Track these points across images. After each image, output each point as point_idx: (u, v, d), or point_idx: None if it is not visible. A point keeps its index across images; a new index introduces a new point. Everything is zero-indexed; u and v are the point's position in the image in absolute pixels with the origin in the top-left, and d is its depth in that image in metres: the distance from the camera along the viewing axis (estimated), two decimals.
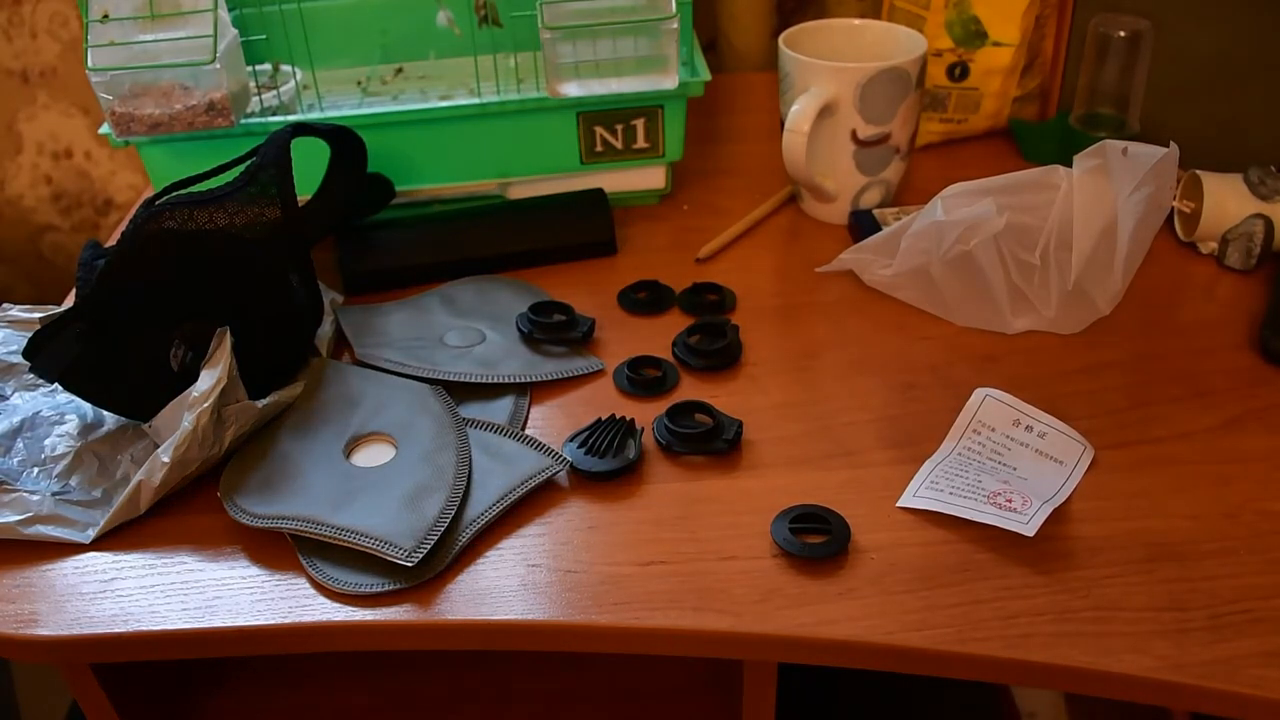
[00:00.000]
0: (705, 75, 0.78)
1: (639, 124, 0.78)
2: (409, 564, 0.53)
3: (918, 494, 0.56)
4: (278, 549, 0.56)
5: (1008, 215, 0.64)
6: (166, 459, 0.56)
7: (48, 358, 0.58)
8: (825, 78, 0.74)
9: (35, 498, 0.58)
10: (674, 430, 0.60)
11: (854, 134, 0.76)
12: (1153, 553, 0.53)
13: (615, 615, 0.51)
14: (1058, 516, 0.55)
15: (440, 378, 0.65)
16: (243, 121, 0.75)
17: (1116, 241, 0.64)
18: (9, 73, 1.08)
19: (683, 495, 0.58)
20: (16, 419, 0.62)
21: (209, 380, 0.58)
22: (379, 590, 0.53)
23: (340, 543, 0.54)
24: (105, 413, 0.63)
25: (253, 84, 0.78)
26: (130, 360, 0.59)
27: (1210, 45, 0.79)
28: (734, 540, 0.55)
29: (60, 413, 0.63)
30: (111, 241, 0.67)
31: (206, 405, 0.57)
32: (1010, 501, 0.54)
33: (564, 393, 0.66)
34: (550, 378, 0.66)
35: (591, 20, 0.73)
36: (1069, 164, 0.64)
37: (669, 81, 0.75)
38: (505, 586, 0.53)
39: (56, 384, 0.60)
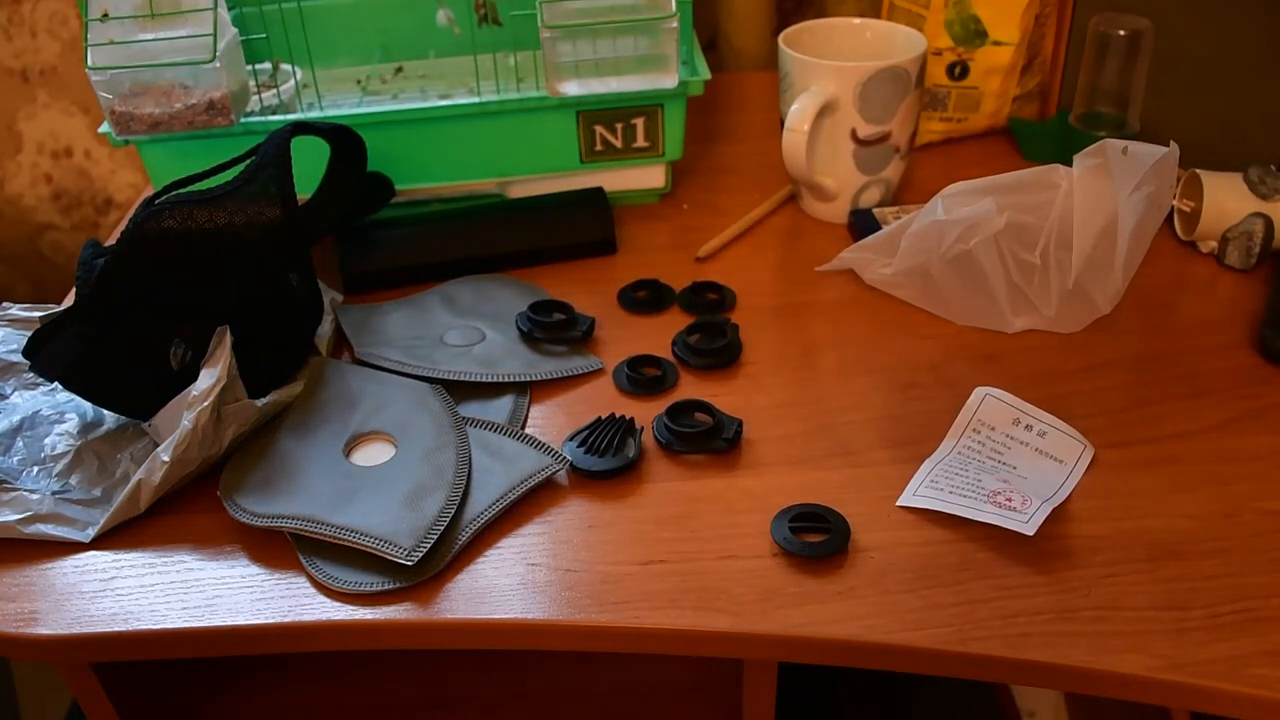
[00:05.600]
0: (705, 74, 0.78)
1: (639, 123, 0.78)
2: (409, 563, 0.53)
3: (918, 493, 0.56)
4: (278, 548, 0.56)
5: (1008, 214, 0.64)
6: (166, 458, 0.56)
7: (48, 357, 0.58)
8: (825, 77, 0.74)
9: (35, 496, 0.58)
10: (674, 429, 0.60)
11: (854, 133, 0.76)
12: (1152, 552, 0.53)
13: (615, 614, 0.51)
14: (1057, 515, 0.55)
15: (440, 377, 0.65)
16: (242, 121, 0.75)
17: (1116, 240, 0.64)
18: (9, 72, 1.08)
19: (682, 494, 0.58)
20: (16, 418, 0.62)
21: (209, 379, 0.58)
22: (379, 589, 0.53)
23: (340, 542, 0.54)
24: (105, 411, 0.63)
25: (252, 83, 0.78)
26: (130, 359, 0.59)
27: (1210, 45, 0.79)
28: (734, 539, 0.55)
29: (60, 411, 0.63)
30: (111, 240, 0.67)
31: (206, 404, 0.57)
32: (1010, 500, 0.54)
33: (564, 392, 0.66)
34: (550, 377, 0.66)
35: (591, 19, 0.73)
36: (1069, 163, 0.64)
37: (669, 80, 0.75)
38: (505, 585, 0.53)
39: (56, 383, 0.60)
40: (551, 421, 0.63)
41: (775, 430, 0.62)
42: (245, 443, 0.61)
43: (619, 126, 0.79)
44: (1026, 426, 0.60)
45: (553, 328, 0.69)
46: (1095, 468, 0.58)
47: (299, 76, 0.82)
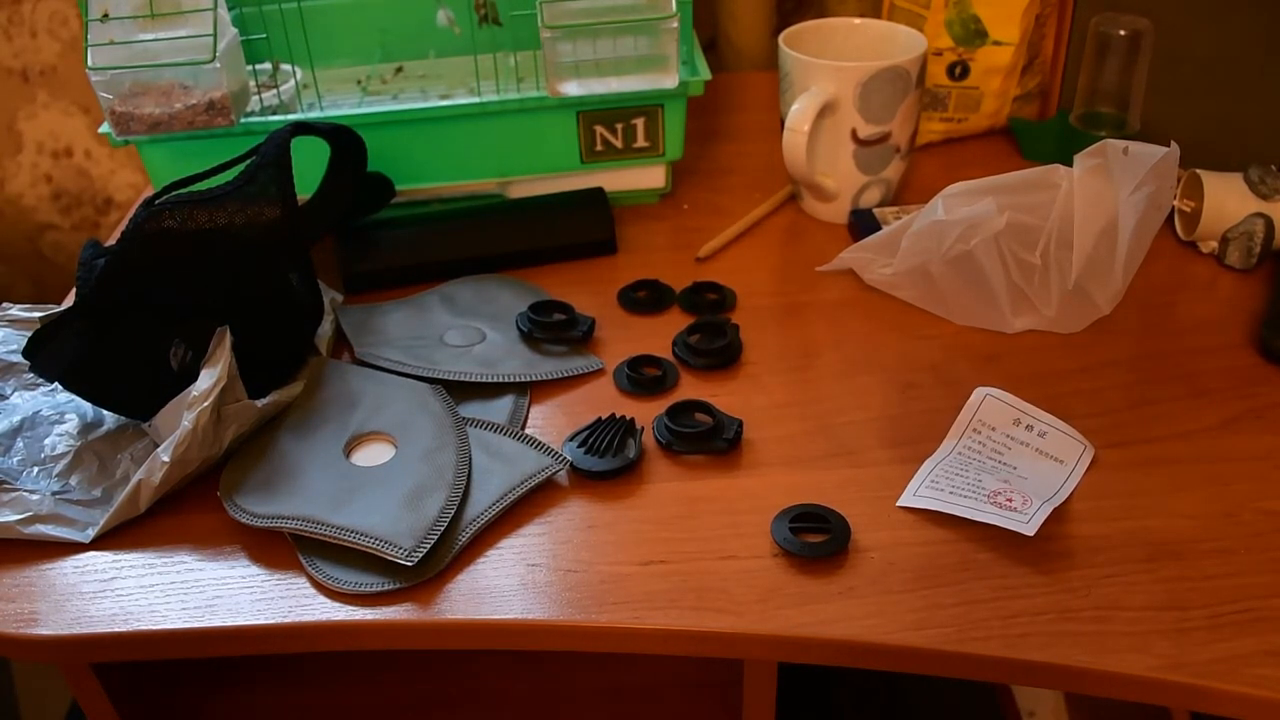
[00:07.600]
0: (705, 74, 0.78)
1: (639, 123, 0.78)
2: (409, 563, 0.53)
3: (918, 493, 0.56)
4: (277, 548, 0.56)
5: (1008, 214, 0.64)
6: (166, 458, 0.56)
7: (48, 357, 0.58)
8: (825, 77, 0.74)
9: (35, 497, 0.58)
10: (674, 429, 0.60)
11: (854, 133, 0.76)
12: (1152, 552, 0.53)
13: (615, 615, 0.51)
14: (1058, 516, 0.55)
15: (440, 377, 0.65)
16: (243, 121, 0.75)
17: (1117, 241, 0.64)
18: (9, 72, 1.08)
19: (683, 494, 0.58)
20: (16, 418, 0.62)
21: (209, 379, 0.58)
22: (379, 590, 0.53)
23: (340, 542, 0.54)
24: (105, 412, 0.63)
25: (253, 83, 0.78)
26: (130, 359, 0.59)
27: (1210, 45, 0.79)
28: (734, 539, 0.55)
29: (60, 412, 0.63)
30: (112, 240, 0.67)
31: (206, 405, 0.57)
32: (1010, 501, 0.54)
33: (564, 392, 0.66)
34: (550, 377, 0.66)
35: (591, 19, 0.73)
36: (1069, 163, 0.64)
37: (669, 80, 0.75)
38: (505, 586, 0.53)
39: (56, 383, 0.60)
40: (551, 422, 0.63)
41: (775, 430, 0.62)
42: (245, 443, 0.61)
43: (619, 126, 0.79)
44: (1027, 427, 0.60)
45: (553, 328, 0.69)
46: (1095, 468, 0.58)
47: (299, 76, 0.82)
